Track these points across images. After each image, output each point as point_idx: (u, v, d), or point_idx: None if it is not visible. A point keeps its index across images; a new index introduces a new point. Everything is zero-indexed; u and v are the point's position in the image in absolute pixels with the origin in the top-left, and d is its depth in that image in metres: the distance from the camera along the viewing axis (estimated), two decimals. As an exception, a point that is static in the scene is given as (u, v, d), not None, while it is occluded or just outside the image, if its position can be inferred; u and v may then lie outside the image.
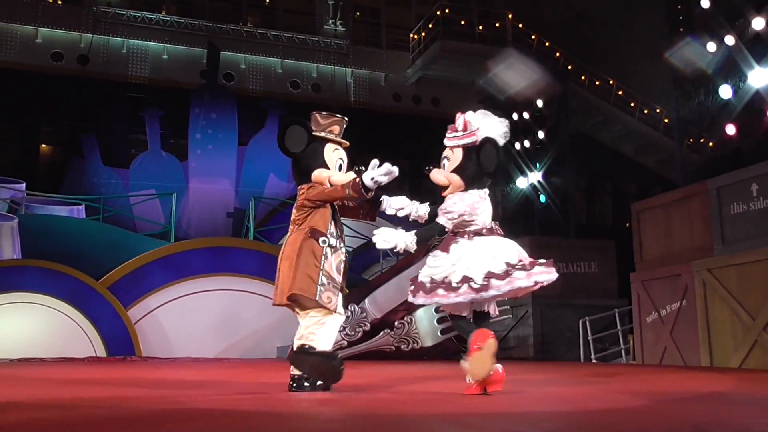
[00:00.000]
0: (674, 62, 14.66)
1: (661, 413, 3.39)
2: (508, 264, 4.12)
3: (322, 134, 4.53)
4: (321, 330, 4.34)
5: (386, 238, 4.12)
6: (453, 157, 4.39)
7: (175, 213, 14.66)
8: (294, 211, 4.50)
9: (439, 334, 11.43)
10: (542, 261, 4.24)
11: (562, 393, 4.79)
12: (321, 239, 4.35)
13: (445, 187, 4.38)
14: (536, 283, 4.13)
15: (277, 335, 12.30)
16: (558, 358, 14.26)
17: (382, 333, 11.01)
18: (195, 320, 12.21)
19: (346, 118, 4.68)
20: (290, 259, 4.33)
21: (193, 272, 12.32)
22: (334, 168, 4.51)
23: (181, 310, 12.21)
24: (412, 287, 4.31)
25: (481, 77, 19.30)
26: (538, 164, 17.86)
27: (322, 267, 4.30)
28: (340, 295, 4.43)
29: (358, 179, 4.20)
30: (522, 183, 18.07)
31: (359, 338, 10.86)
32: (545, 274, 4.17)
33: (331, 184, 4.42)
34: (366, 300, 11.12)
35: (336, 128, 4.58)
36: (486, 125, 4.44)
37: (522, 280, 4.08)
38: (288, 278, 4.30)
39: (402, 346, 10.94)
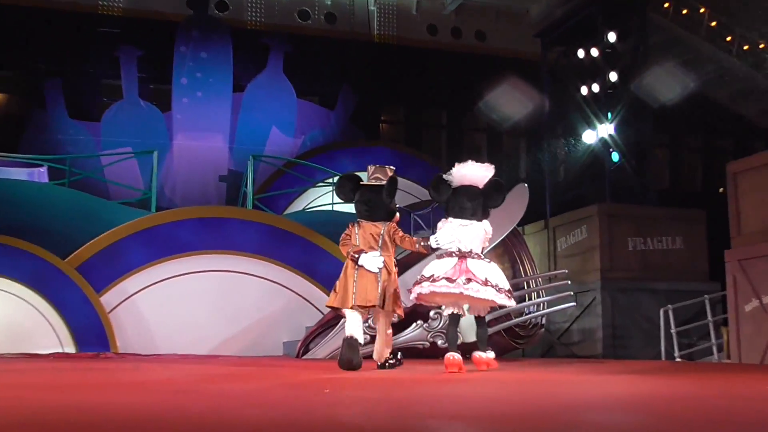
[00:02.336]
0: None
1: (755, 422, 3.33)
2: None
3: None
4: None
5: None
6: None
7: (157, 176, 14.71)
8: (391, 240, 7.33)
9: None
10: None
11: (638, 397, 4.73)
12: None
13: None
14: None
15: (283, 327, 12.37)
16: (633, 356, 14.21)
17: (414, 325, 11.01)
18: (183, 308, 12.30)
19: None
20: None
21: (180, 249, 12.39)
22: None
23: (166, 296, 12.30)
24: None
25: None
26: (609, 114, 17.61)
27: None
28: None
29: (427, 244, 7.21)
30: (589, 137, 17.83)
31: (387, 331, 10.89)
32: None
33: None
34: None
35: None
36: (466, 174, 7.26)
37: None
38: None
39: (439, 342, 10.92)
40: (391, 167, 7.59)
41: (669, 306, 13.34)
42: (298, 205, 17.04)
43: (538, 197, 16.83)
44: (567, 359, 13.76)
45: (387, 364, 7.38)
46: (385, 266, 7.18)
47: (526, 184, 12.10)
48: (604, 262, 15.13)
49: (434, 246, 7.18)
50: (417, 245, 7.26)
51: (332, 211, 14.85)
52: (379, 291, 7.07)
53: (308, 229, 12.67)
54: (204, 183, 18.20)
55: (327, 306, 7.53)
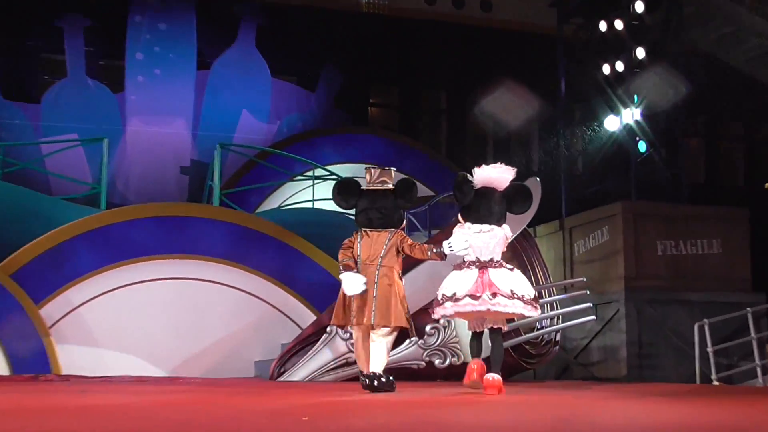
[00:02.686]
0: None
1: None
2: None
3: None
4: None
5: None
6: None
7: (108, 168, 14.68)
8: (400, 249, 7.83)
9: (489, 344, 11.44)
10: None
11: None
12: None
13: None
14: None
15: (255, 345, 12.36)
16: (662, 378, 14.25)
17: (407, 342, 11.01)
18: (138, 323, 12.27)
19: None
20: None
21: (135, 253, 12.36)
22: None
23: (118, 308, 12.27)
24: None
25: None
26: (636, 97, 17.65)
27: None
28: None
29: (440, 251, 7.66)
30: (612, 124, 17.83)
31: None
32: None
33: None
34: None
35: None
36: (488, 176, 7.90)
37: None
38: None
39: (436, 361, 10.95)
40: (393, 168, 8.13)
41: (705, 320, 13.34)
42: (273, 202, 17.04)
43: (553, 193, 16.82)
44: (585, 381, 13.79)
45: (376, 386, 7.48)
46: (386, 277, 7.61)
47: (538, 178, 12.08)
48: (629, 268, 15.13)
49: (447, 252, 7.62)
50: (429, 253, 7.73)
51: (313, 209, 14.85)
52: (373, 308, 7.51)
53: (285, 230, 12.66)
54: (163, 176, 18.15)
55: (332, 324, 8.24)
